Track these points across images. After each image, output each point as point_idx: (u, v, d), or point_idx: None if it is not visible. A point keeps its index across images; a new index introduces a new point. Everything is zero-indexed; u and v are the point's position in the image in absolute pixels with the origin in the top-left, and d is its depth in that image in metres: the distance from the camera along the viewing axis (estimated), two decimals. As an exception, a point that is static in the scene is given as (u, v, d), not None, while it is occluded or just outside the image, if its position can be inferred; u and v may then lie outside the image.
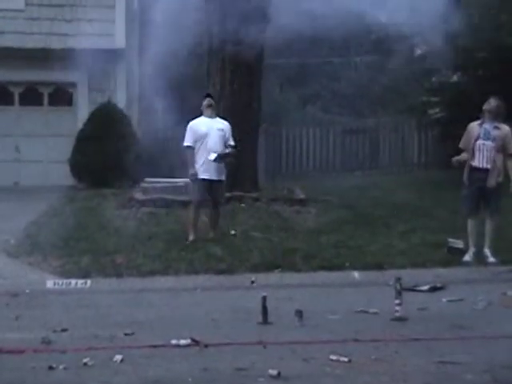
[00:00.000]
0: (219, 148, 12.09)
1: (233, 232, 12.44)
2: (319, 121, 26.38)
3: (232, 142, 12.29)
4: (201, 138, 12.09)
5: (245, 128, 14.71)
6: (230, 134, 12.32)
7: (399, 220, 13.59)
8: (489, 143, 11.20)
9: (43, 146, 19.92)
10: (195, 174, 12.07)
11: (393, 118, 25.15)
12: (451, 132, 17.19)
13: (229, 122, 12.47)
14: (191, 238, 12.07)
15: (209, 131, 12.10)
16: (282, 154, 24.11)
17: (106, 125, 18.45)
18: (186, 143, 12.20)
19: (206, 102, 12.39)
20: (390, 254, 11.54)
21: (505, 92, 11.96)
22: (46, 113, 20.34)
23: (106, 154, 17.96)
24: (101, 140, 18.17)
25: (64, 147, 18.87)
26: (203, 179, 12.06)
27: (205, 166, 12.04)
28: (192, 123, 12.26)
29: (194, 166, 12.09)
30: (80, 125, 19.14)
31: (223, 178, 12.28)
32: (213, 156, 11.95)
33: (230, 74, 15.37)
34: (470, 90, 17.41)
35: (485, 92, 12.05)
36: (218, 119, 12.40)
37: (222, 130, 12.23)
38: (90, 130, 18.70)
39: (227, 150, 12.18)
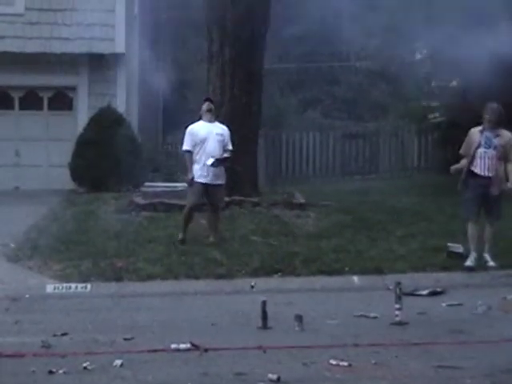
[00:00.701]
0: (218, 153, 12.07)
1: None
2: (319, 125, 26.44)
3: (230, 147, 12.28)
4: (200, 142, 12.07)
5: (245, 132, 14.70)
6: (229, 138, 12.31)
7: (399, 224, 13.56)
8: (490, 151, 11.02)
9: (43, 151, 19.93)
10: (192, 178, 12.08)
11: (393, 122, 25.19)
12: (451, 136, 17.21)
13: (229, 127, 12.45)
14: (180, 236, 12.14)
15: (208, 136, 12.08)
16: (282, 159, 24.14)
17: (106, 129, 18.43)
18: (184, 147, 12.20)
19: (205, 106, 12.36)
20: (389, 259, 11.52)
21: (505, 97, 11.91)
22: (46, 117, 20.32)
23: (106, 158, 17.95)
24: (101, 144, 18.15)
25: (64, 151, 18.85)
26: (200, 183, 12.06)
27: (203, 170, 12.03)
28: (191, 127, 12.25)
29: (191, 170, 12.10)
30: (80, 129, 19.11)
31: (222, 182, 12.26)
32: (210, 161, 11.94)
33: (230, 79, 15.36)
34: (470, 94, 17.40)
35: (485, 97, 11.96)
36: (217, 124, 12.37)
37: (221, 134, 12.21)
38: (90, 135, 18.67)
39: (225, 155, 12.17)
